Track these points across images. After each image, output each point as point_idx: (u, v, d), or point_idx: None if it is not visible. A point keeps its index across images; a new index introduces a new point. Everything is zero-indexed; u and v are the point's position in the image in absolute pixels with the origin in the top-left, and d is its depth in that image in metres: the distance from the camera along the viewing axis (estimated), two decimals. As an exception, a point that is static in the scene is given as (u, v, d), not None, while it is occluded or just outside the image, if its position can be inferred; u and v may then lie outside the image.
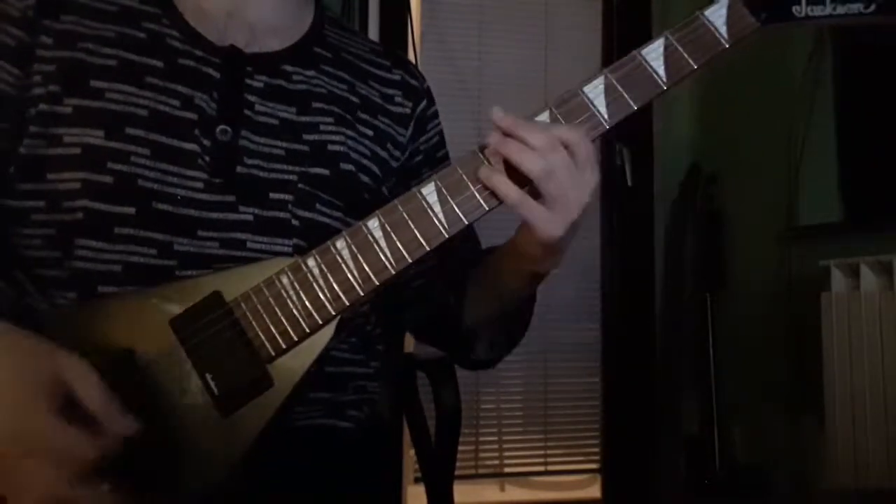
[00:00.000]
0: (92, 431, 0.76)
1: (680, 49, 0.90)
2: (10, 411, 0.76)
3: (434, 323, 1.13)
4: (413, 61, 1.84)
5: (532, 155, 0.84)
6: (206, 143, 0.94)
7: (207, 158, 0.94)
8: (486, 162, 0.87)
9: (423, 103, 1.13)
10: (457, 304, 1.06)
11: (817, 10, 0.90)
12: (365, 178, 1.03)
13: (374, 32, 2.68)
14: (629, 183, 2.89)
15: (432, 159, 1.13)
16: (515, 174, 0.85)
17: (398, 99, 1.10)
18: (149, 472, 0.80)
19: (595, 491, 2.96)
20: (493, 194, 0.86)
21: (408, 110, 1.11)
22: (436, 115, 1.16)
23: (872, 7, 0.89)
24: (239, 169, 0.95)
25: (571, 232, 0.87)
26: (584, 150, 0.85)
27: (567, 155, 0.84)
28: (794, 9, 0.91)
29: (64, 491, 0.75)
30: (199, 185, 0.93)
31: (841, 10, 0.89)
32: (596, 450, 2.98)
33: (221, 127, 0.95)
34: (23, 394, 0.76)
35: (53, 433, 0.75)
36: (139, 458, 0.78)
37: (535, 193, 0.85)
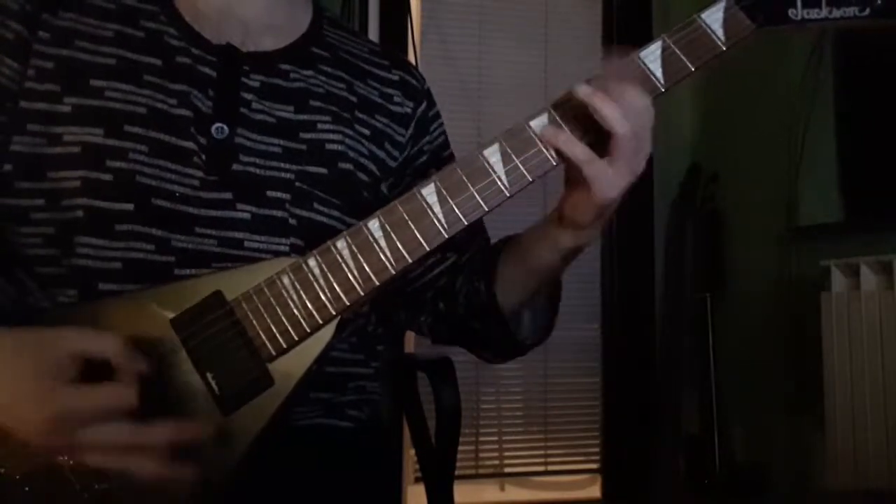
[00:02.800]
0: (116, 379, 0.78)
1: (677, 51, 0.91)
2: (35, 402, 0.77)
3: (465, 318, 1.09)
4: (413, 61, 1.85)
5: (621, 114, 0.85)
6: (203, 140, 0.94)
7: (203, 156, 0.94)
8: (554, 119, 0.88)
9: (424, 104, 1.14)
10: (488, 290, 1.03)
11: (813, 14, 0.91)
12: (363, 177, 1.03)
13: (374, 32, 2.68)
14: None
15: (438, 159, 1.13)
16: (578, 133, 0.87)
17: (397, 99, 1.10)
18: (147, 479, 0.80)
19: (595, 491, 2.96)
20: (500, 187, 0.87)
21: (408, 110, 1.11)
22: (438, 115, 1.16)
23: (868, 11, 0.89)
24: (235, 167, 0.95)
25: (617, 201, 0.89)
26: (650, 115, 0.87)
27: (646, 120, 0.87)
28: (790, 12, 0.91)
29: (125, 436, 0.77)
30: (196, 182, 0.93)
31: (836, 13, 0.90)
32: (596, 450, 2.98)
33: (217, 125, 0.96)
34: (37, 383, 0.77)
35: (81, 399, 0.77)
36: (139, 459, 0.78)
37: (597, 153, 0.86)
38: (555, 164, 0.88)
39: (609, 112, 0.85)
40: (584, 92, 0.86)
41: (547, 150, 0.88)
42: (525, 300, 1.04)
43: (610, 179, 0.86)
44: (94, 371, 0.78)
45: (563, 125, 0.88)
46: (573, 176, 0.88)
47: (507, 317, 1.03)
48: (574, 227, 0.92)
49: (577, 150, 0.86)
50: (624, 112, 0.85)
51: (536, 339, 1.08)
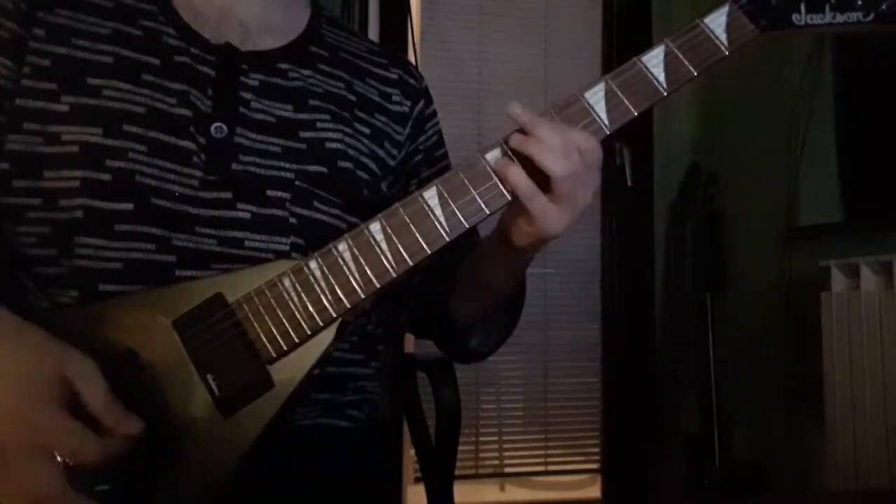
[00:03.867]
0: (96, 432, 0.76)
1: (680, 56, 0.91)
2: (17, 402, 0.76)
3: (429, 317, 1.14)
4: (413, 61, 1.85)
5: (555, 156, 0.86)
6: (202, 140, 0.94)
7: (203, 156, 0.94)
8: (506, 152, 0.89)
9: (422, 103, 1.14)
10: (448, 298, 1.08)
11: (816, 19, 0.91)
12: (363, 176, 1.03)
13: (374, 32, 2.68)
14: (629, 183, 2.89)
15: (431, 158, 1.14)
16: (527, 169, 0.87)
17: (396, 98, 1.11)
18: (149, 473, 0.80)
19: (595, 491, 2.96)
20: (502, 190, 0.88)
21: (406, 109, 1.11)
22: (434, 114, 1.17)
23: (871, 16, 0.90)
24: (234, 166, 0.95)
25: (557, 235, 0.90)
26: (595, 157, 0.89)
27: (581, 158, 0.87)
28: (794, 17, 0.91)
29: (58, 493, 0.74)
30: (195, 182, 0.93)
31: (840, 18, 0.90)
32: (596, 450, 2.98)
33: (216, 124, 0.96)
34: (31, 387, 0.76)
35: (60, 428, 0.75)
36: (140, 459, 0.78)
37: (543, 190, 0.87)
38: (489, 213, 0.89)
39: (541, 155, 0.86)
40: (516, 141, 0.88)
41: (482, 197, 0.89)
42: (476, 314, 1.08)
43: (551, 216, 0.88)
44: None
45: (513, 159, 0.88)
46: (517, 203, 0.89)
47: (458, 327, 1.08)
48: (514, 248, 0.94)
49: (522, 183, 0.87)
50: (561, 152, 0.86)
51: (484, 349, 1.12)
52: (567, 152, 0.86)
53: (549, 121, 0.89)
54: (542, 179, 0.87)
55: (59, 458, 0.75)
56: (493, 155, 0.89)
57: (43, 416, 0.76)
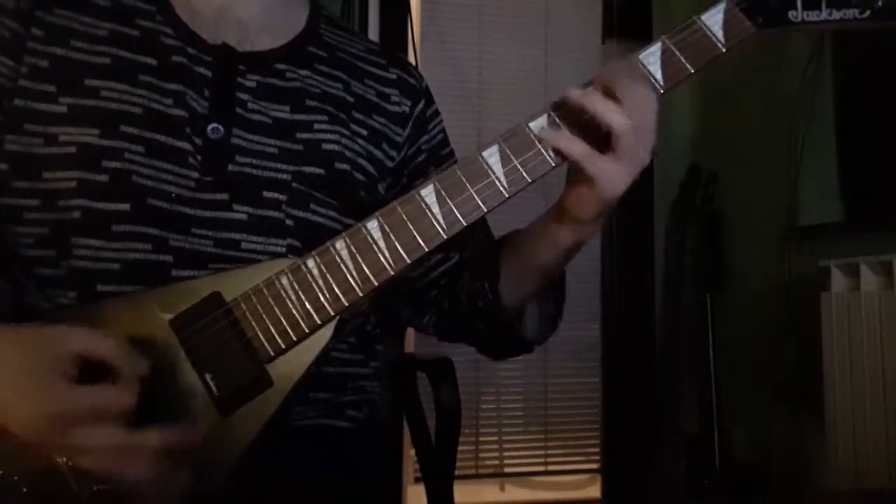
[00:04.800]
0: (116, 382, 0.78)
1: (677, 53, 0.91)
2: (32, 400, 0.77)
3: (469, 316, 1.08)
4: (413, 61, 1.85)
5: (619, 109, 0.85)
6: (198, 141, 0.94)
7: (199, 157, 0.94)
8: (554, 121, 0.88)
9: (422, 103, 1.13)
10: (492, 290, 1.03)
11: (813, 16, 0.91)
12: (360, 178, 1.03)
13: (374, 32, 2.68)
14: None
15: (437, 157, 1.13)
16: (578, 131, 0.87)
17: (395, 98, 1.10)
18: (141, 482, 0.80)
19: (595, 491, 2.96)
20: (499, 188, 0.87)
21: (406, 109, 1.11)
22: (437, 114, 1.16)
23: (868, 13, 0.90)
24: (231, 167, 0.95)
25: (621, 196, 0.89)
26: (655, 110, 0.87)
27: (646, 112, 0.86)
28: (791, 14, 0.91)
29: (120, 439, 0.77)
30: (192, 183, 0.93)
31: (836, 15, 0.90)
32: (596, 450, 2.98)
33: (213, 125, 0.95)
34: (36, 381, 0.77)
35: (79, 399, 0.77)
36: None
37: (600, 151, 0.86)
38: (554, 164, 0.88)
39: (603, 110, 0.85)
40: (576, 95, 0.86)
41: (546, 151, 0.88)
42: (528, 298, 1.04)
43: (613, 175, 0.86)
44: (93, 372, 0.78)
45: (563, 125, 0.88)
46: (575, 173, 0.88)
47: (511, 316, 1.03)
48: (576, 222, 0.92)
49: (577, 148, 0.86)
50: (621, 107, 0.85)
51: (541, 336, 1.08)
52: (631, 106, 0.85)
53: (613, 76, 0.88)
54: (592, 143, 0.86)
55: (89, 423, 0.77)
56: (538, 123, 0.88)
57: (57, 399, 0.77)
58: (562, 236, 0.95)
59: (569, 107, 0.88)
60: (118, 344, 0.79)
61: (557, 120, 0.88)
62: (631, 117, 0.85)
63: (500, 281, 1.02)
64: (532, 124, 0.89)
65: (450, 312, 1.10)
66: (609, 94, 0.86)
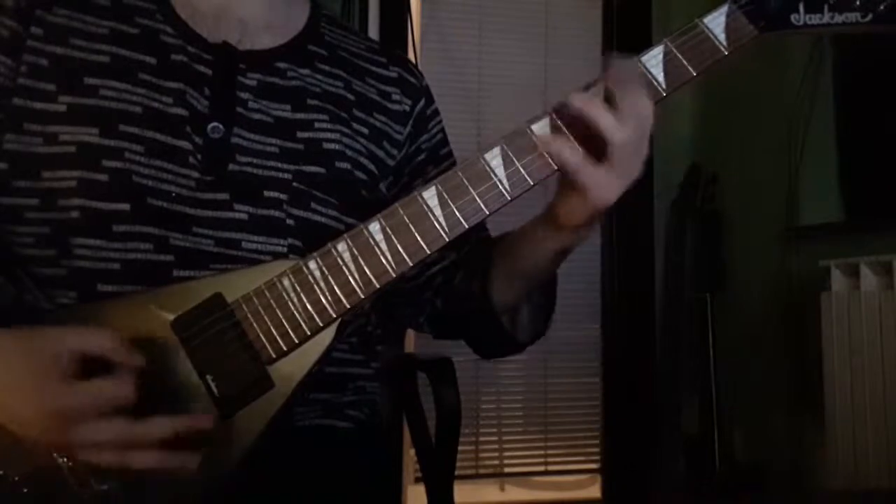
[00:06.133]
0: (114, 376, 0.78)
1: (679, 56, 0.91)
2: (33, 399, 0.77)
3: (461, 315, 1.09)
4: (413, 61, 1.85)
5: (615, 120, 0.85)
6: (198, 140, 0.94)
7: (199, 156, 0.94)
8: (555, 124, 0.88)
9: (423, 101, 1.13)
10: (482, 291, 1.03)
11: (815, 19, 0.91)
12: (361, 176, 1.03)
13: (374, 32, 2.68)
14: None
15: (436, 157, 1.13)
16: (577, 137, 0.87)
17: (396, 96, 1.10)
18: (149, 473, 0.80)
19: (595, 491, 2.96)
20: (501, 190, 0.87)
21: (406, 108, 1.11)
22: (437, 112, 1.16)
23: (869, 17, 0.90)
24: (231, 167, 0.95)
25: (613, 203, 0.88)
26: (650, 120, 0.87)
27: (643, 124, 0.86)
28: (793, 17, 0.92)
29: (123, 431, 0.77)
30: (192, 182, 0.93)
31: (838, 18, 0.90)
32: (596, 450, 2.98)
33: (213, 124, 0.95)
34: (36, 380, 0.77)
35: (79, 395, 0.76)
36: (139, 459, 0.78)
37: (596, 159, 0.86)
38: (556, 168, 0.88)
39: (602, 121, 0.84)
40: (578, 101, 0.86)
41: (548, 154, 0.88)
42: (519, 299, 1.04)
43: (605, 186, 0.86)
44: (92, 370, 0.78)
45: (563, 130, 0.88)
46: (568, 180, 0.88)
47: (501, 317, 1.03)
48: (565, 228, 0.92)
49: (570, 158, 0.86)
50: (619, 118, 0.84)
51: (532, 337, 1.08)
52: (627, 117, 0.85)
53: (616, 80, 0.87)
54: (590, 150, 0.86)
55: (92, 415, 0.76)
56: (538, 126, 0.88)
57: (58, 398, 0.77)
58: (551, 241, 0.95)
59: (570, 111, 0.88)
60: (114, 339, 0.79)
61: (559, 123, 0.88)
62: (628, 129, 0.85)
63: (491, 283, 1.02)
64: (534, 126, 0.88)
65: (443, 312, 1.11)
66: (610, 100, 0.86)
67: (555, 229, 0.93)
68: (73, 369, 0.77)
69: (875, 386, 2.20)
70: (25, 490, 0.79)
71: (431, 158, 1.12)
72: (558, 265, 0.99)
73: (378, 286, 0.85)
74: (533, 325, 1.07)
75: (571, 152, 0.86)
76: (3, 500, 0.79)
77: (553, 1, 3.04)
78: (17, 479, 0.79)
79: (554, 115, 0.88)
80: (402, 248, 0.86)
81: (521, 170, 0.88)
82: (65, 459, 0.79)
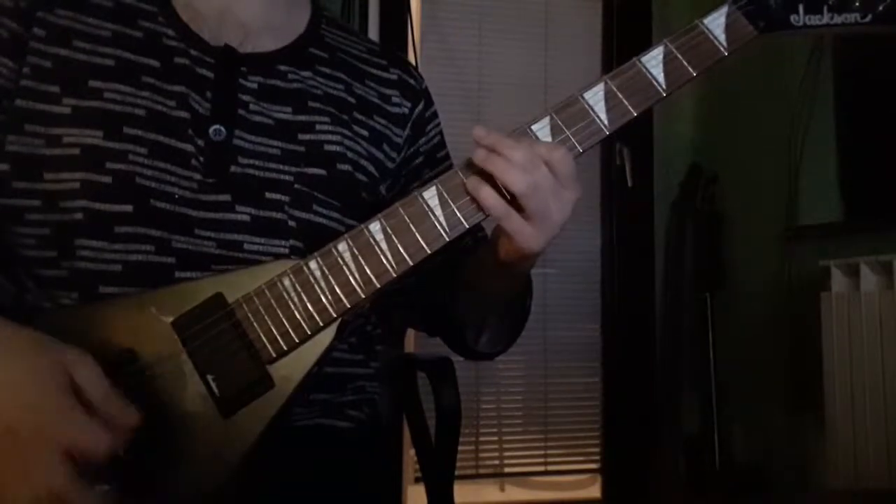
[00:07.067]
0: (102, 424, 0.75)
1: (679, 56, 0.91)
2: (33, 394, 0.75)
3: (432, 319, 1.14)
4: (413, 61, 1.85)
5: (516, 172, 0.84)
6: (200, 142, 0.94)
7: (201, 158, 0.94)
8: (470, 175, 0.88)
9: (422, 104, 1.13)
10: (450, 302, 1.07)
11: (815, 20, 0.92)
12: (362, 178, 1.03)
13: (374, 32, 2.68)
14: (629, 183, 2.90)
15: (433, 160, 1.13)
16: (501, 189, 0.86)
17: (395, 99, 1.10)
18: (149, 473, 0.80)
19: (595, 491, 2.96)
20: (479, 207, 0.87)
21: (405, 111, 1.11)
22: (435, 115, 1.16)
23: (869, 17, 0.90)
24: (233, 169, 0.95)
25: (549, 243, 0.88)
26: (566, 167, 0.86)
27: (549, 172, 0.85)
28: (792, 18, 0.92)
29: (64, 484, 0.73)
30: (195, 184, 0.93)
31: (838, 19, 0.91)
32: (596, 450, 2.98)
33: (215, 127, 0.95)
34: (42, 379, 0.76)
35: (75, 420, 0.74)
36: (140, 459, 0.78)
37: (519, 208, 0.86)
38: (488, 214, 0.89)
39: (502, 172, 0.85)
40: (479, 158, 0.86)
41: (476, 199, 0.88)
42: (481, 318, 1.07)
43: (526, 235, 0.86)
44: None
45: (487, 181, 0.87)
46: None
47: (464, 329, 1.08)
48: (506, 264, 0.93)
49: (494, 204, 0.86)
50: (521, 169, 0.84)
51: (491, 352, 1.11)
52: (530, 167, 0.84)
53: (514, 138, 0.87)
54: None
55: (70, 453, 0.73)
56: (538, 127, 0.89)
57: (58, 407, 0.74)
58: (498, 266, 0.95)
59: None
60: (110, 391, 0.77)
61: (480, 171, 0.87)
62: (530, 179, 0.84)
63: (457, 297, 1.06)
64: (533, 127, 0.89)
65: (416, 313, 1.15)
66: (508, 157, 0.85)
67: (496, 260, 0.94)
68: (73, 391, 0.75)
69: (875, 386, 2.20)
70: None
71: (428, 162, 1.13)
72: (513, 287, 1.02)
73: (378, 286, 0.85)
74: (491, 343, 1.10)
75: (495, 200, 0.86)
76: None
77: (553, 1, 3.04)
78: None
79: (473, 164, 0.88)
80: (403, 247, 0.86)
81: None
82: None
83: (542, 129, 0.89)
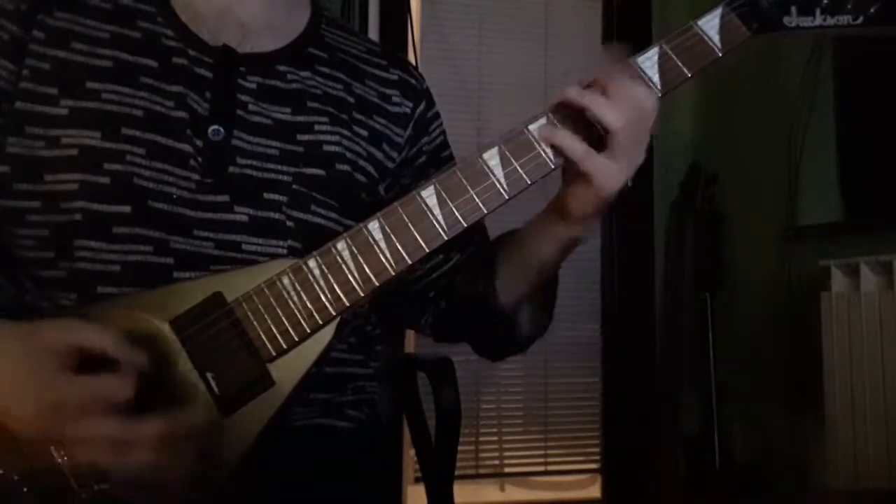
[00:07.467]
0: (112, 373, 0.78)
1: (674, 58, 0.92)
2: (30, 391, 0.77)
3: (464, 315, 1.09)
4: (413, 61, 1.85)
5: (612, 107, 0.86)
6: (198, 143, 0.94)
7: (200, 159, 0.94)
8: (552, 122, 0.90)
9: (423, 104, 1.13)
10: (488, 288, 1.04)
11: (807, 21, 0.93)
12: (360, 179, 1.03)
13: (374, 32, 2.68)
14: (629, 183, 2.89)
15: (437, 160, 1.13)
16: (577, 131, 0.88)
17: (396, 99, 1.10)
18: (149, 472, 0.80)
19: (595, 491, 2.96)
20: (499, 189, 0.88)
21: (407, 110, 1.11)
22: (437, 115, 1.16)
23: (861, 19, 0.91)
24: (231, 169, 0.95)
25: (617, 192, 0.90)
26: (651, 106, 0.89)
27: (640, 112, 0.88)
28: (785, 19, 0.93)
29: (118, 429, 0.76)
30: (193, 185, 0.93)
31: (830, 21, 0.92)
32: (596, 450, 2.98)
33: (213, 127, 0.95)
34: (34, 373, 0.77)
35: (77, 389, 0.77)
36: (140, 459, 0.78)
37: (596, 150, 0.88)
38: (553, 167, 0.89)
39: (598, 109, 0.86)
40: (573, 93, 0.88)
41: (545, 153, 0.89)
42: (525, 296, 1.04)
43: (608, 173, 0.88)
44: (92, 365, 0.78)
45: (561, 126, 0.89)
46: (572, 171, 0.89)
47: (507, 315, 1.04)
48: (572, 219, 0.94)
49: (574, 146, 0.88)
50: (616, 106, 0.86)
51: (534, 335, 1.09)
52: (626, 104, 0.87)
53: (606, 73, 0.89)
54: (590, 141, 0.88)
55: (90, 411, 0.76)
56: (536, 125, 0.90)
57: (56, 390, 0.77)
58: (559, 232, 0.96)
59: (566, 108, 0.89)
60: (116, 337, 0.79)
61: (556, 121, 0.90)
62: (625, 116, 0.86)
63: (497, 280, 1.03)
64: (531, 126, 0.89)
65: (447, 313, 1.11)
66: (606, 94, 0.87)
67: (563, 221, 0.95)
68: (72, 364, 0.77)
69: (875, 386, 2.19)
70: (25, 489, 0.79)
71: (432, 161, 1.12)
72: (565, 257, 1.01)
73: (377, 284, 0.86)
74: (535, 324, 1.07)
75: (574, 141, 0.88)
76: (4, 499, 0.79)
77: (553, 1, 3.04)
78: (16, 478, 0.79)
79: (551, 115, 0.90)
80: (401, 246, 0.86)
81: (519, 169, 0.89)
82: (64, 458, 0.79)
83: (539, 127, 0.89)
